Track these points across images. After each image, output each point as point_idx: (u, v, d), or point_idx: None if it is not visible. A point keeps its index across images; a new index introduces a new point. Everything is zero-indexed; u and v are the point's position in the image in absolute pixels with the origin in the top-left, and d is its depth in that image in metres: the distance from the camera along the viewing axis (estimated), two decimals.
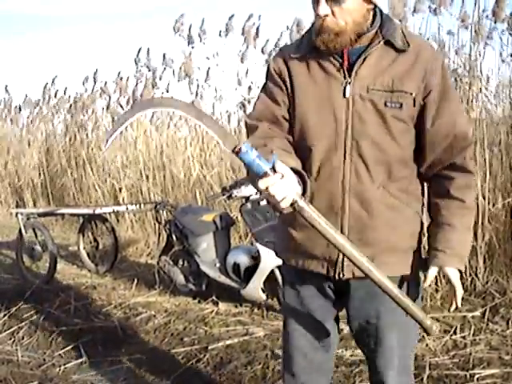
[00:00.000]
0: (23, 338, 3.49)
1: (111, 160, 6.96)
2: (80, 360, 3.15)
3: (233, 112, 6.23)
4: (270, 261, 3.49)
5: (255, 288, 3.60)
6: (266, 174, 1.36)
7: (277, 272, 3.52)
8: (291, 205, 1.39)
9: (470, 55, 4.04)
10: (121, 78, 7.10)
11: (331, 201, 1.56)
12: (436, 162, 1.58)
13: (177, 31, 6.12)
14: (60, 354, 3.25)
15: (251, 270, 3.64)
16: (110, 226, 4.89)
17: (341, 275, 1.60)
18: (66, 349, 3.31)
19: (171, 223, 4.12)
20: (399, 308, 1.60)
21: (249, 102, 5.90)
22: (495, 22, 4.06)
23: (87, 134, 7.64)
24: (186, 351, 3.21)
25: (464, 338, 3.18)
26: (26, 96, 9.02)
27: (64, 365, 3.10)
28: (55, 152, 8.16)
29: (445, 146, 1.55)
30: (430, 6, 4.14)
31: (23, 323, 3.68)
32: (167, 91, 6.62)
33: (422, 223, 1.66)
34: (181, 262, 4.08)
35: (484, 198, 3.78)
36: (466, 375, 2.77)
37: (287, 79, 1.61)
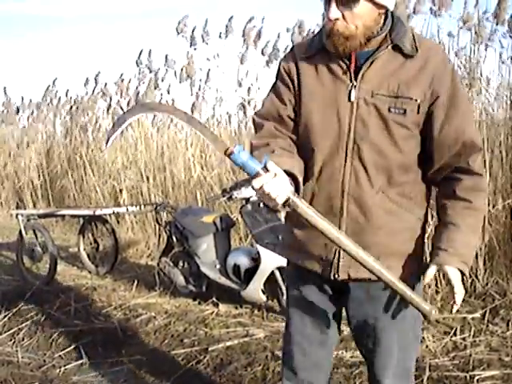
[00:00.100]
0: (23, 339, 3.49)
1: (111, 161, 6.96)
2: (80, 361, 3.16)
3: (233, 113, 6.25)
4: (270, 262, 3.50)
5: (255, 289, 3.61)
6: (258, 174, 1.40)
7: (277, 273, 3.52)
8: (286, 202, 1.42)
9: (470, 57, 4.04)
10: (122, 80, 7.10)
11: (331, 202, 1.57)
12: (444, 166, 1.57)
13: (180, 32, 6.11)
14: (60, 356, 3.25)
15: (251, 272, 3.64)
16: (110, 228, 4.89)
17: (336, 276, 1.61)
18: (66, 350, 3.31)
19: (171, 224, 4.12)
20: (398, 309, 1.61)
21: (249, 103, 5.90)
22: (497, 24, 4.07)
23: (88, 136, 7.64)
24: (186, 352, 3.21)
25: (464, 339, 3.18)
26: (23, 98, 9.07)
27: (64, 366, 3.10)
28: (55, 153, 8.16)
29: (453, 153, 1.54)
30: (431, 8, 4.15)
31: (23, 324, 3.68)
32: (168, 93, 6.64)
33: (424, 229, 1.65)
34: (181, 264, 4.08)
35: None
36: (466, 377, 2.77)
37: (295, 78, 1.62)
